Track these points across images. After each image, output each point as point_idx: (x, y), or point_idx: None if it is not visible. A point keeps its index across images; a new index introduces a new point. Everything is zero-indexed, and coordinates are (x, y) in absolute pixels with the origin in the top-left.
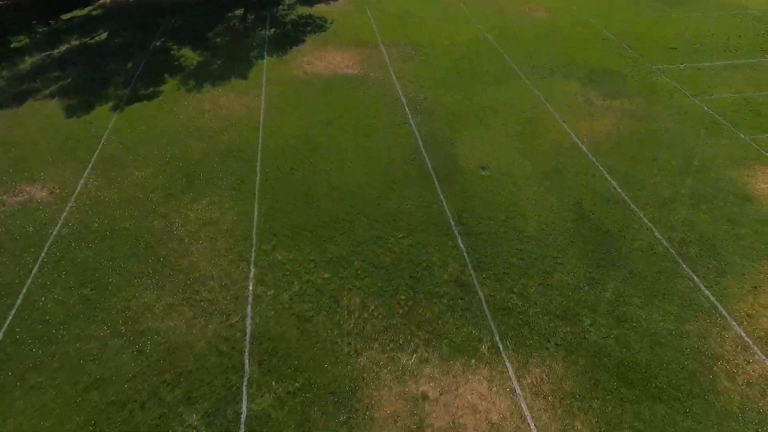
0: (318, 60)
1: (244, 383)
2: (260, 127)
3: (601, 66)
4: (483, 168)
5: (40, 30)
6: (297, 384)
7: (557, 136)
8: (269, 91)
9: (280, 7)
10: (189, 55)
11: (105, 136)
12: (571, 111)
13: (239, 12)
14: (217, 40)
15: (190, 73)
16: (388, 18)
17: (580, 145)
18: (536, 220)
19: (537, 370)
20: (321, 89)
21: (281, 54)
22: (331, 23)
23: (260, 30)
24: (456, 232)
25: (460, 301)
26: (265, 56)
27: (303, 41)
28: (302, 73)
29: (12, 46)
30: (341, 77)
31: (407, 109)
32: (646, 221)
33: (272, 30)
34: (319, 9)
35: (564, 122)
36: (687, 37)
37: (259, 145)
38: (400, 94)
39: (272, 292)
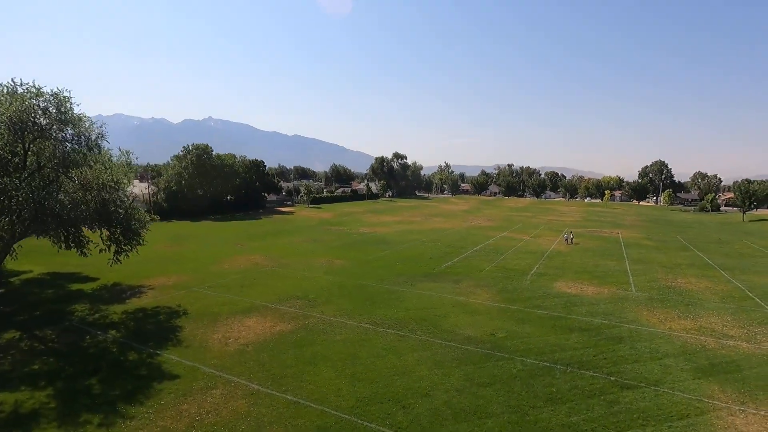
0: (235, 331)
1: None
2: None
3: None
4: None
5: None
6: None
7: None
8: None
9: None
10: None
11: None
12: None
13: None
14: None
15: None
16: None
17: None
18: None
19: None
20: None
21: (173, 343)
22: (179, 306)
23: (88, 338)
24: None
25: None
26: (156, 351)
27: (180, 328)
28: (239, 345)
29: None
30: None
31: None
32: None
33: (113, 331)
34: (134, 303)
35: None
36: None
37: None
38: None
39: None
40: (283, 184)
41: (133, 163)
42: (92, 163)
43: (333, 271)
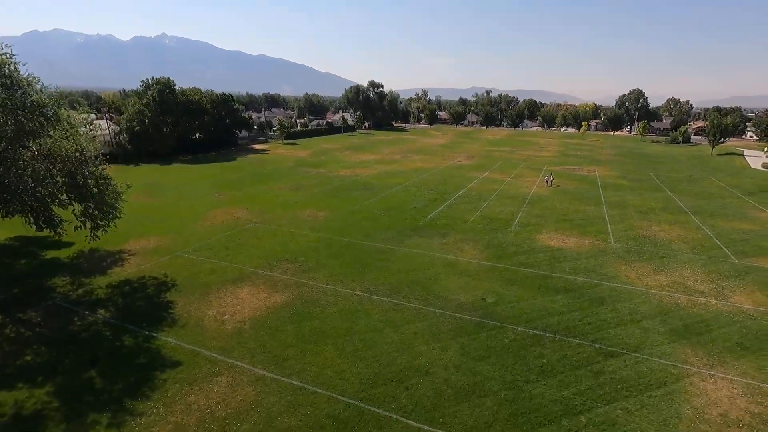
0: (230, 305)
1: None
2: None
3: None
4: None
5: None
6: None
7: None
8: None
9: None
10: None
11: None
12: None
13: None
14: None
15: None
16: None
17: None
18: None
19: None
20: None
21: (168, 322)
22: (166, 276)
23: (77, 320)
24: None
25: None
26: (151, 333)
27: (172, 303)
28: (236, 322)
29: None
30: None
31: None
32: None
33: (102, 311)
34: (117, 273)
35: None
36: None
37: None
38: None
39: None
40: (254, 116)
41: (84, 89)
42: (51, 132)
43: (318, 226)
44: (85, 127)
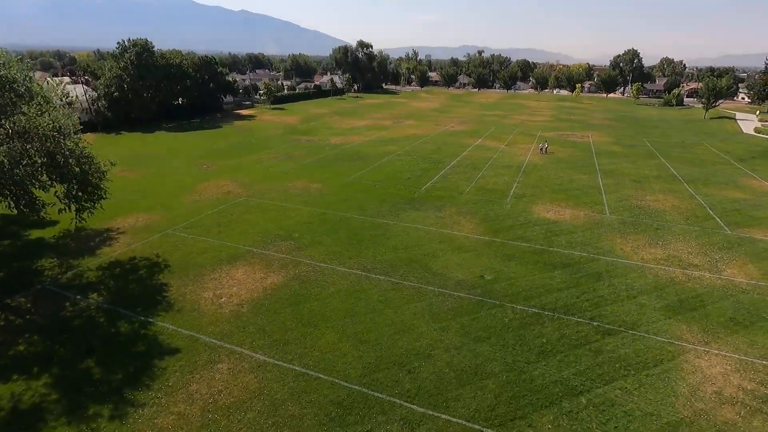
0: (226, 287)
1: None
2: None
3: None
4: None
5: None
6: None
7: None
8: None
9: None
10: None
11: None
12: None
13: None
14: None
15: None
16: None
17: None
18: None
19: None
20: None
21: (164, 306)
22: (158, 256)
23: (69, 306)
24: None
25: None
26: (147, 319)
27: (166, 286)
28: (233, 306)
29: None
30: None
31: None
32: None
33: (94, 295)
34: (107, 254)
35: None
36: None
37: None
38: None
39: None
40: (238, 79)
41: (55, 49)
42: (24, 109)
43: (312, 200)
44: (61, 100)
